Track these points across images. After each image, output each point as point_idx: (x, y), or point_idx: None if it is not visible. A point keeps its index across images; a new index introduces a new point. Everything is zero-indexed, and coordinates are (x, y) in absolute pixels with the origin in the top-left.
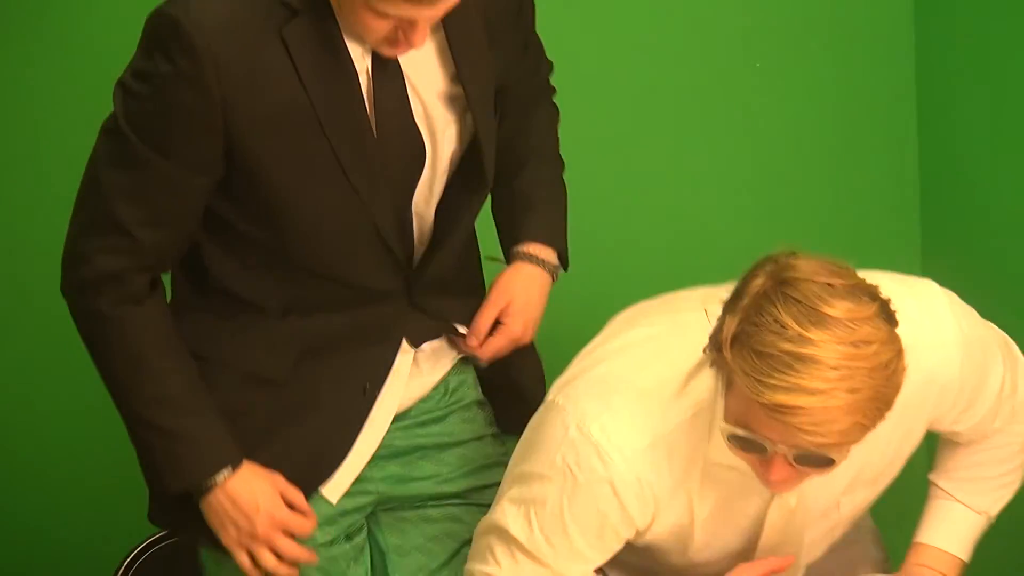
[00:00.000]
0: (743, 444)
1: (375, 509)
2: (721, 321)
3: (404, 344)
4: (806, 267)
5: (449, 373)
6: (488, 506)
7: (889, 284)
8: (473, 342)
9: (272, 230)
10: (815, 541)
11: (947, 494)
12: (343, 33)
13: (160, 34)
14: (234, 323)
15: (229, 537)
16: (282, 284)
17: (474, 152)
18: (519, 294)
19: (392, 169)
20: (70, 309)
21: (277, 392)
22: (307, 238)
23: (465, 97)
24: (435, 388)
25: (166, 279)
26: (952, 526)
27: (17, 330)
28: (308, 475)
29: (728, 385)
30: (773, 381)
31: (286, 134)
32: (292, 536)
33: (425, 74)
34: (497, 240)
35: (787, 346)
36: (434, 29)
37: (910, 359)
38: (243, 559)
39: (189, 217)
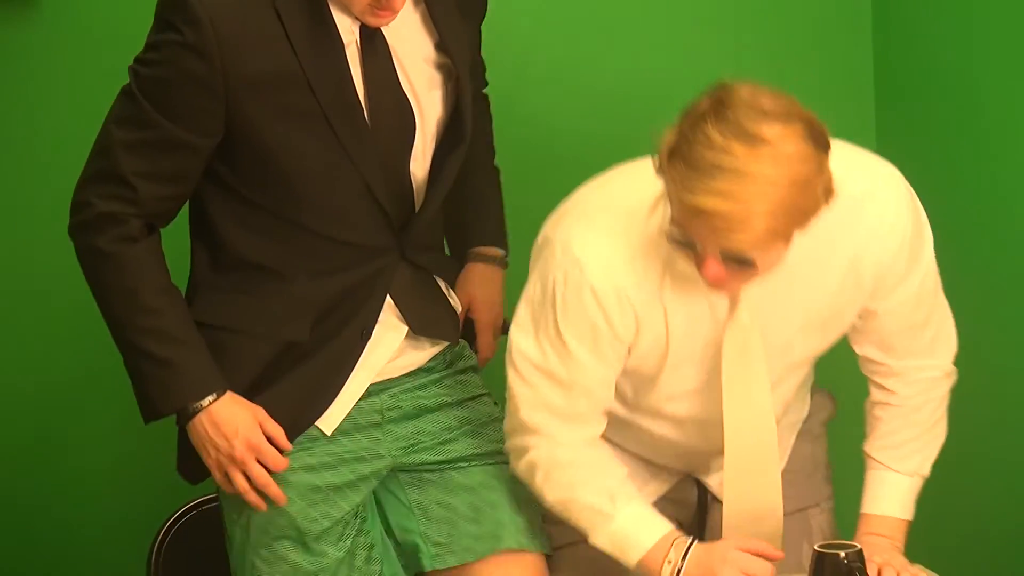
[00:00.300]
0: (679, 244)
1: (393, 472)
2: (664, 136)
3: (388, 300)
4: (746, 92)
5: (448, 345)
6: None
7: (852, 150)
8: (488, 354)
9: (272, 193)
10: (777, 384)
11: (882, 465)
12: (332, 6)
13: (168, 7)
14: (252, 294)
15: (209, 458)
16: (289, 248)
17: (457, 114)
18: (488, 295)
19: (385, 136)
20: (75, 250)
21: (301, 352)
22: (303, 199)
23: (451, 63)
24: (434, 357)
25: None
26: (891, 492)
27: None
28: (307, 410)
29: (669, 195)
30: (696, 188)
31: (279, 97)
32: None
33: (411, 45)
34: None
35: (711, 157)
36: (414, 2)
37: (864, 207)
38: (219, 478)
39: (187, 175)
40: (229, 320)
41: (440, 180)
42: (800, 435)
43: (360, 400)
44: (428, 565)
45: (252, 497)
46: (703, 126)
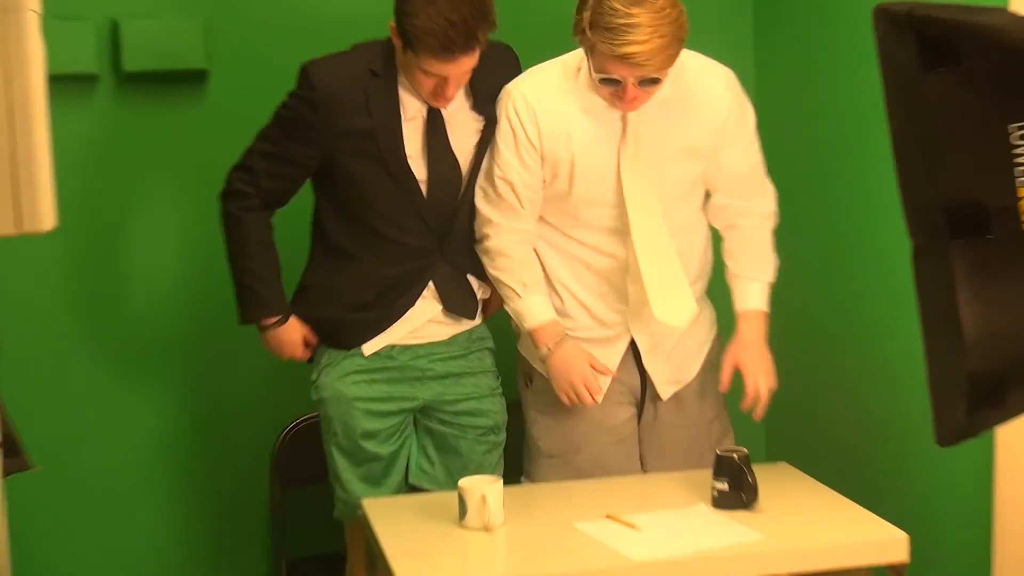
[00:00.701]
0: (607, 82)
1: (424, 410)
2: (579, 15)
3: (431, 284)
4: None
5: (474, 327)
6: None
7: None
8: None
9: (353, 205)
10: (668, 212)
11: (744, 277)
12: (403, 91)
13: (302, 75)
14: (339, 271)
15: (273, 355)
16: (363, 242)
17: (482, 151)
18: None
19: (440, 182)
20: (220, 210)
21: (366, 308)
22: (372, 211)
23: (486, 124)
24: (461, 334)
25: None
26: (754, 293)
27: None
28: (357, 335)
29: (591, 52)
30: (619, 41)
31: (357, 145)
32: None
33: (460, 120)
34: None
35: (621, 21)
36: (465, 94)
37: (705, 76)
38: (284, 357)
39: (291, 179)
40: (325, 283)
41: (470, 209)
42: (707, 365)
43: (408, 360)
44: (413, 478)
45: (297, 356)
46: (607, 2)
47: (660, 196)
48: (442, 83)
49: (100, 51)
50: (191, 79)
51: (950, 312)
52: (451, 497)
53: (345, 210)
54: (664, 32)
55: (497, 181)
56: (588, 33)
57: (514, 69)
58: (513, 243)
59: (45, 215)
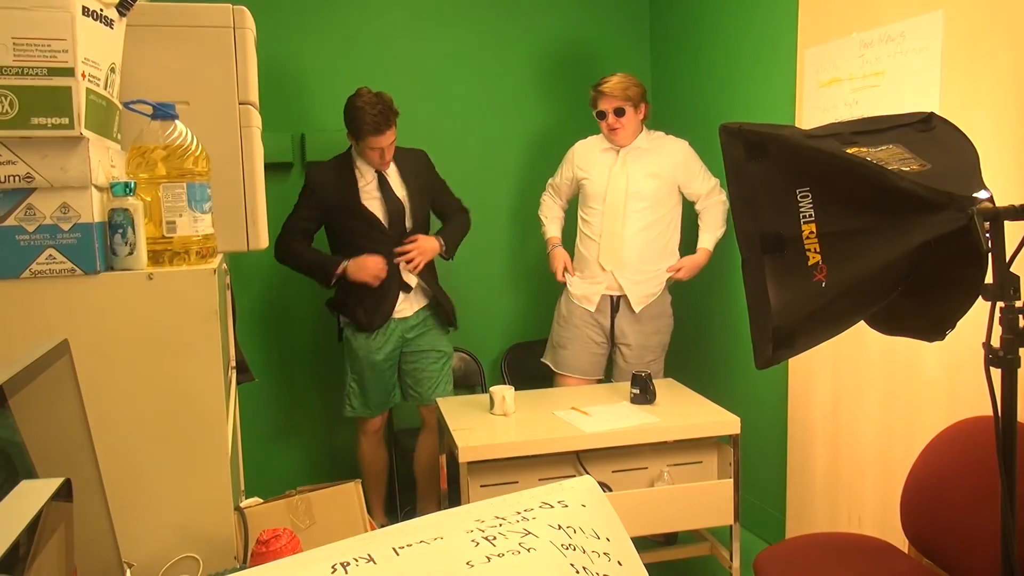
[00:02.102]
0: (599, 115)
1: (402, 349)
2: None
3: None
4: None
5: (429, 306)
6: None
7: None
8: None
9: (344, 235)
10: (635, 210)
11: (704, 231)
12: (359, 163)
13: (306, 173)
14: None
15: (364, 281)
16: (357, 253)
17: (419, 202)
18: (427, 242)
19: (395, 217)
20: (275, 247)
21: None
22: (354, 246)
23: (411, 192)
24: (422, 312)
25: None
26: (707, 240)
27: None
28: (379, 317)
29: (593, 107)
30: (599, 90)
31: (336, 205)
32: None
33: (396, 183)
34: None
35: (601, 87)
36: (395, 163)
37: (670, 141)
38: (370, 279)
39: (314, 225)
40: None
41: (415, 229)
42: (662, 328)
43: (398, 329)
44: (399, 397)
45: (376, 282)
46: (595, 88)
47: (632, 198)
48: (381, 152)
49: (294, 149)
50: None
51: (762, 294)
52: (485, 397)
53: (338, 237)
54: (627, 84)
55: (554, 176)
56: (593, 97)
57: (420, 156)
58: (552, 205)
59: (262, 239)
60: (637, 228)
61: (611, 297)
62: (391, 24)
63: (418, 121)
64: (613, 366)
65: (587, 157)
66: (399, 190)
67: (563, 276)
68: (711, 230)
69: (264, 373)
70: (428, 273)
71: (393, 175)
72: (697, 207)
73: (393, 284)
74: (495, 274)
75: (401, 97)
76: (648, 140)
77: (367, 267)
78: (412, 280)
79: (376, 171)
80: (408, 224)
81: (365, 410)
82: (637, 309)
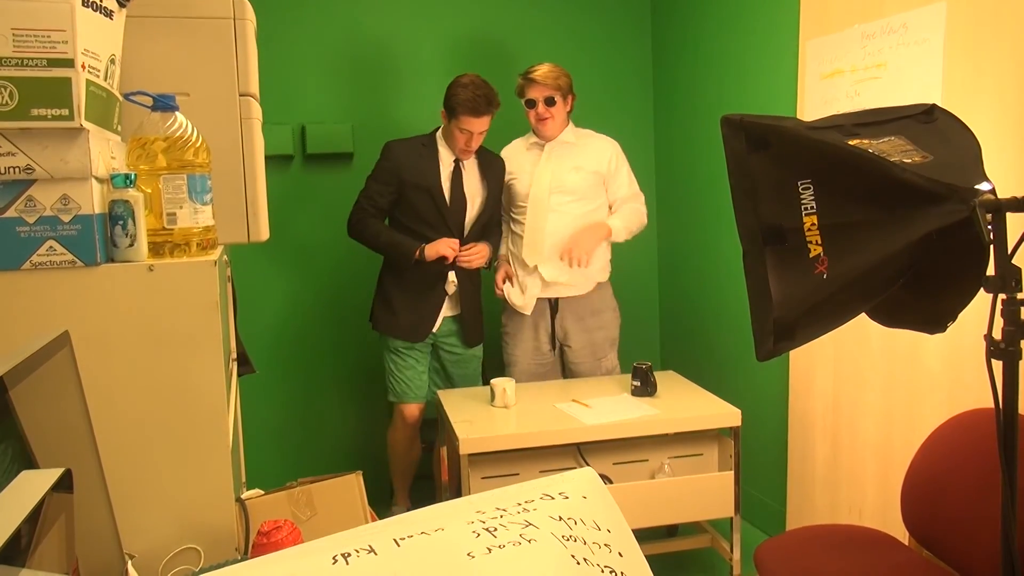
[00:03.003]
0: (528, 104)
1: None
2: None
3: (451, 275)
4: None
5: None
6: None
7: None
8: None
9: (408, 217)
10: (563, 202)
11: (614, 216)
12: (441, 147)
13: (383, 147)
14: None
15: (437, 253)
16: (415, 235)
17: (487, 204)
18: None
19: (456, 207)
20: (348, 223)
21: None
22: (418, 222)
23: (487, 183)
24: (454, 317)
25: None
26: (613, 220)
27: None
28: (422, 329)
29: (520, 95)
30: (528, 78)
31: (415, 183)
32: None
33: (472, 173)
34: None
35: (531, 73)
36: (477, 159)
37: (597, 138)
38: (446, 252)
39: (384, 201)
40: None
41: (475, 226)
42: (607, 324)
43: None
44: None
45: (451, 255)
46: (524, 76)
47: (558, 191)
48: (469, 138)
49: (294, 142)
50: (344, 158)
51: (763, 286)
52: (486, 389)
53: (400, 218)
54: (554, 72)
55: None
56: (520, 85)
57: (500, 164)
58: None
59: (263, 231)
60: (564, 222)
61: (548, 300)
62: (393, 16)
63: (421, 114)
64: (566, 370)
65: (513, 160)
66: (472, 187)
67: (502, 286)
68: (622, 217)
69: (265, 365)
70: (472, 284)
71: (471, 170)
72: (613, 209)
73: (438, 290)
74: (494, 265)
75: (402, 90)
76: (575, 135)
77: (439, 248)
78: (451, 288)
79: (455, 160)
80: (467, 224)
81: (407, 396)
82: (567, 294)
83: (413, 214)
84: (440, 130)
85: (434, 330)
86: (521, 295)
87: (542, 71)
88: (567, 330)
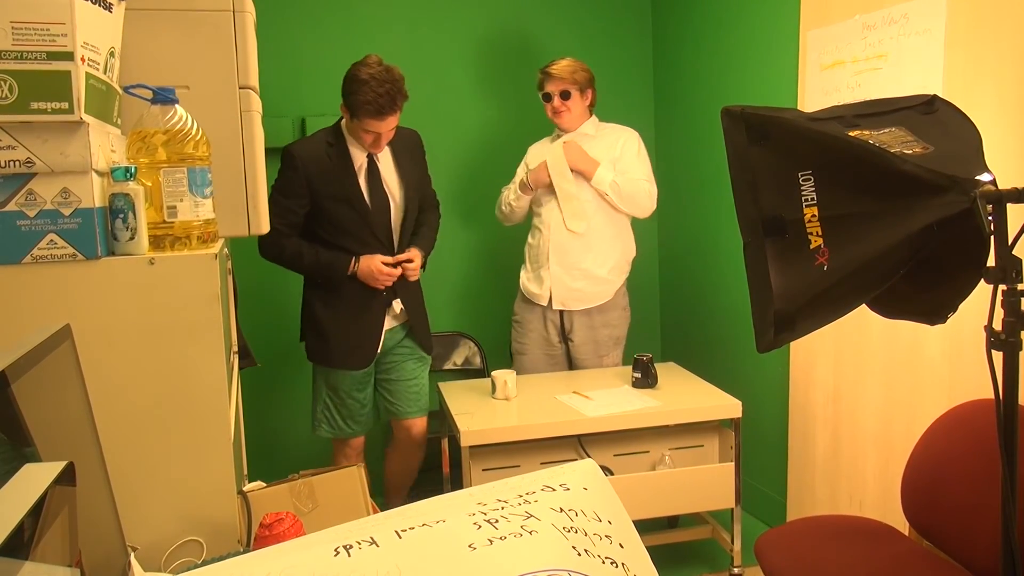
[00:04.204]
0: (545, 97)
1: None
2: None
3: (395, 303)
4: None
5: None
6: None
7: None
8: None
9: (326, 227)
10: (580, 191)
11: (607, 172)
12: (350, 146)
13: (284, 156)
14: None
15: (369, 282)
16: (335, 248)
17: (409, 199)
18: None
19: (379, 210)
20: (260, 244)
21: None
22: (340, 234)
23: (405, 183)
24: (401, 325)
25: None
26: (604, 171)
27: None
28: (364, 354)
29: (540, 89)
30: (547, 72)
31: (328, 192)
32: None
33: (387, 170)
34: None
35: (548, 69)
36: (390, 146)
37: (619, 129)
38: (378, 285)
39: (298, 218)
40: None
41: (405, 224)
42: (616, 321)
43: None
44: (383, 417)
45: (384, 285)
46: (543, 71)
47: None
48: (376, 138)
49: (294, 134)
50: None
51: (764, 278)
52: (487, 381)
53: (317, 232)
54: (576, 67)
55: (506, 186)
56: (540, 80)
57: (415, 139)
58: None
59: (263, 224)
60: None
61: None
62: (392, 8)
63: (416, 105)
64: (570, 362)
65: (537, 155)
66: (391, 181)
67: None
68: (616, 176)
69: (266, 358)
70: (414, 294)
71: (386, 162)
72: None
73: (377, 306)
74: (495, 256)
75: None
76: (596, 128)
77: (374, 275)
78: (397, 307)
79: (367, 155)
80: (395, 225)
81: (342, 430)
82: (582, 306)
83: (332, 227)
84: (344, 123)
85: (379, 349)
86: (537, 285)
87: (559, 66)
88: (573, 323)
